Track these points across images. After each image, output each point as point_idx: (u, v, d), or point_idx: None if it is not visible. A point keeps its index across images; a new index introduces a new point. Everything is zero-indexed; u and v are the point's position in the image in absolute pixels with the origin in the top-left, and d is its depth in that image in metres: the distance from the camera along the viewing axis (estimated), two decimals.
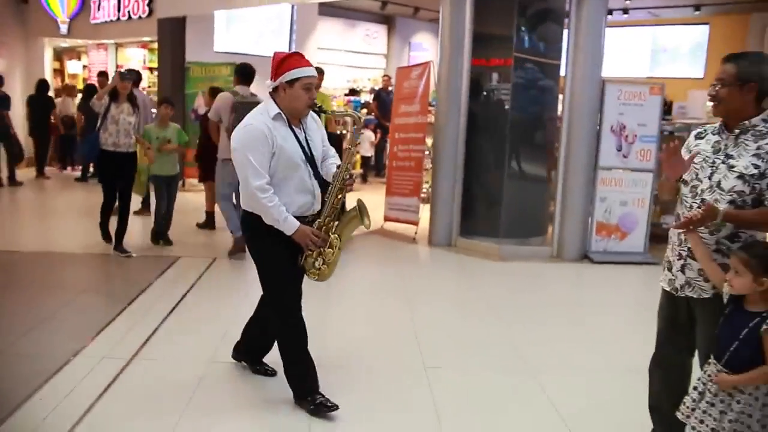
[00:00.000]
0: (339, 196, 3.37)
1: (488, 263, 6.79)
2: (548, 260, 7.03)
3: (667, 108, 8.96)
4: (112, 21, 12.29)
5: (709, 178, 2.82)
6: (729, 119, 2.82)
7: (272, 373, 3.81)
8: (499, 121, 7.21)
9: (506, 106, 7.18)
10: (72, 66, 15.03)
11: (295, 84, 3.21)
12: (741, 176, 2.72)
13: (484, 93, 7.39)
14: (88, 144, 6.54)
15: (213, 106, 6.58)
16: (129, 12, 11.79)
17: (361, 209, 3.37)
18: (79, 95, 12.40)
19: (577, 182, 6.97)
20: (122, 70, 6.52)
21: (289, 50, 12.18)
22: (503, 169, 7.13)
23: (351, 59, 13.98)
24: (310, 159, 3.34)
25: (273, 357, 3.69)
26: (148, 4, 11.37)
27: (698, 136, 3.00)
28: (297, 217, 3.27)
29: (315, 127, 3.47)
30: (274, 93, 3.29)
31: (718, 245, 2.78)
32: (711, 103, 2.91)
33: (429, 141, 7.84)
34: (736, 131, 2.79)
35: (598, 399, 3.79)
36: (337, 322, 4.92)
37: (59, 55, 16.06)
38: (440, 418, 3.43)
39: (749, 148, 2.74)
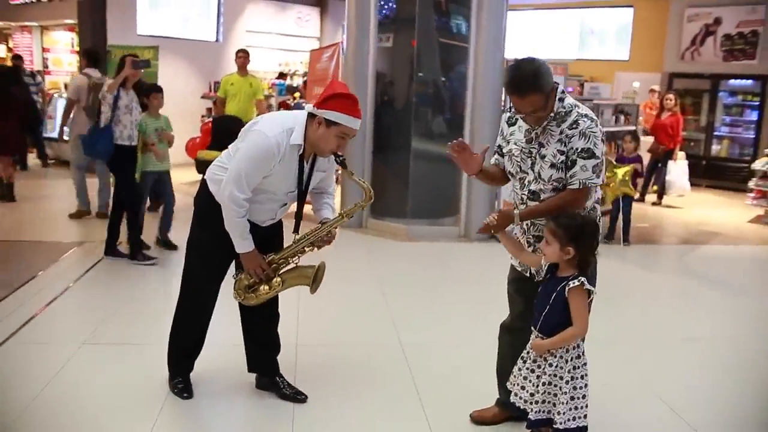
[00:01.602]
0: (306, 249, 3.23)
1: (395, 243, 6.89)
2: (456, 240, 7.16)
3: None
4: (33, 2, 12.01)
5: (531, 169, 2.89)
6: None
7: (303, 399, 3.46)
8: (406, 103, 7.28)
9: (412, 88, 7.25)
10: None
11: (332, 126, 2.97)
12: (552, 165, 2.82)
13: (391, 75, 7.46)
14: (99, 140, 5.59)
15: (71, 87, 7.31)
16: None
17: (317, 275, 3.21)
18: None
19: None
20: (138, 58, 5.74)
21: (218, 33, 12.23)
22: (410, 151, 7.21)
23: (282, 42, 13.81)
24: (300, 193, 3.19)
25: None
26: None
27: (510, 122, 3.03)
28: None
29: (326, 164, 3.23)
30: (309, 118, 3.04)
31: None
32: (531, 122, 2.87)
33: None
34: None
35: (454, 367, 3.93)
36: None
37: None
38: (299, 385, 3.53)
39: (554, 134, 2.82)
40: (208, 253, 3.27)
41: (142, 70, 5.86)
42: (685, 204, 9.94)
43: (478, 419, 3.30)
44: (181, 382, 3.44)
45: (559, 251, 2.67)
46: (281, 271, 3.26)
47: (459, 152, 2.96)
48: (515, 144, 2.95)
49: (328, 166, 3.27)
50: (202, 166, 7.38)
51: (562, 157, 2.78)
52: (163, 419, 3.20)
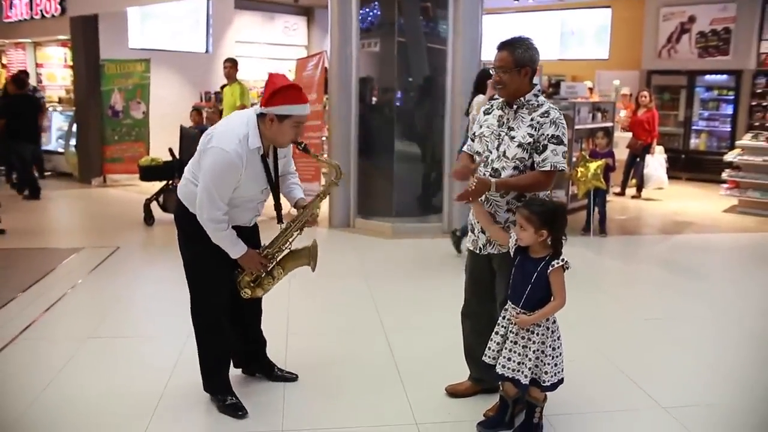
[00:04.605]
0: (295, 234, 3.39)
1: (381, 241, 7.20)
2: (439, 235, 7.47)
3: (554, 87, 9.52)
4: (26, 20, 12.29)
5: (497, 149, 3.26)
6: (511, 98, 3.26)
7: (293, 378, 3.76)
8: (389, 106, 7.63)
9: (395, 91, 7.60)
10: None
11: (285, 120, 3.07)
12: (520, 145, 3.19)
13: (375, 78, 7.80)
14: None
15: None
16: (41, 11, 11.80)
17: (312, 252, 3.42)
18: None
19: None
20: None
21: (207, 44, 12.54)
22: (393, 151, 7.54)
23: (271, 51, 14.17)
24: (273, 187, 3.31)
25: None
26: (60, 3, 11.37)
27: (486, 112, 3.43)
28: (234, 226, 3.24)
29: (284, 149, 3.36)
30: (259, 118, 3.13)
31: (508, 205, 3.24)
32: (498, 87, 3.27)
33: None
34: (515, 106, 3.24)
35: (433, 350, 4.24)
36: None
37: None
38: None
39: (525, 120, 3.21)
40: (207, 267, 3.32)
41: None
42: (664, 196, 10.27)
43: (452, 392, 3.63)
44: (230, 399, 3.43)
45: (534, 234, 2.99)
46: (278, 259, 3.45)
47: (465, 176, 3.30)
48: (487, 128, 3.32)
49: (286, 150, 3.40)
50: (144, 173, 7.76)
51: (531, 140, 3.15)
52: (164, 405, 3.52)
